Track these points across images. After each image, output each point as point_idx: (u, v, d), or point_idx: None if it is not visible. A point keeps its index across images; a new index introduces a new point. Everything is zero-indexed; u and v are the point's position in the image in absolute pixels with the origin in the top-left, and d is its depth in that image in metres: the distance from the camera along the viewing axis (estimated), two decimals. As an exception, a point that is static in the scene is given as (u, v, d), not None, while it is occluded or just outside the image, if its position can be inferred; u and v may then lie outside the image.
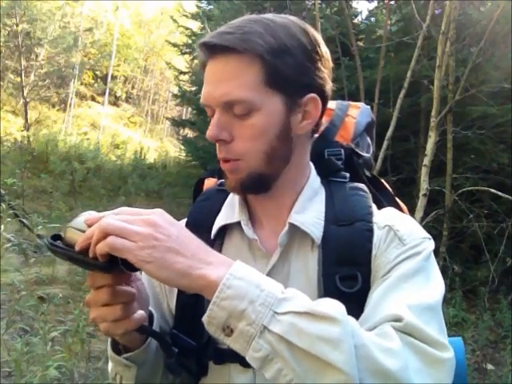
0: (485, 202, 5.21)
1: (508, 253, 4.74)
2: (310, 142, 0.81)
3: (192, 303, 0.78)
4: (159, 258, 0.58)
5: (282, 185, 0.78)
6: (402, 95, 4.89)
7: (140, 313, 0.69)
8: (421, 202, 4.27)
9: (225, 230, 0.82)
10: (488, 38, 4.53)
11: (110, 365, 0.80)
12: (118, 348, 0.75)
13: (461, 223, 5.06)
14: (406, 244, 0.73)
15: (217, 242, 0.81)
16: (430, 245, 0.76)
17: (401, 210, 0.92)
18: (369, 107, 0.99)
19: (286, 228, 0.76)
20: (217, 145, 0.75)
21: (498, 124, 5.17)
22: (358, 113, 0.95)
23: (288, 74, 0.73)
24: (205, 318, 0.59)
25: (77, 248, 0.62)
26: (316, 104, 0.77)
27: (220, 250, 0.80)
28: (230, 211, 0.82)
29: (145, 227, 0.60)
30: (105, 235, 0.59)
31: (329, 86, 0.79)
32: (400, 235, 0.74)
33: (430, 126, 4.51)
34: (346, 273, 0.73)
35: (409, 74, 4.85)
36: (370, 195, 0.82)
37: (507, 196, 4.31)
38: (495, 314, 4.40)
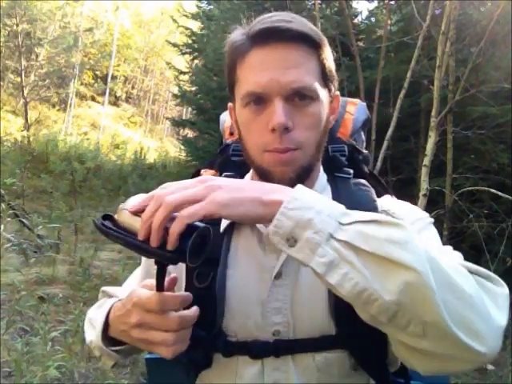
0: (485, 202, 5.20)
1: (508, 253, 4.73)
2: None
3: (203, 296, 0.78)
4: (231, 198, 0.59)
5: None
6: (402, 95, 4.89)
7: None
8: (421, 202, 4.27)
9: (234, 222, 0.82)
10: (488, 38, 4.52)
11: (92, 338, 0.80)
12: (106, 335, 0.77)
13: (461, 223, 5.06)
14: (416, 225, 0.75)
15: (226, 234, 0.82)
16: (430, 219, 0.79)
17: None
18: (364, 104, 1.01)
19: None
20: (273, 134, 0.72)
21: (498, 124, 5.16)
22: (355, 109, 0.97)
23: (331, 70, 0.77)
24: (270, 229, 0.59)
25: (140, 236, 0.59)
26: (338, 100, 0.82)
27: (229, 242, 0.81)
28: None
29: (201, 185, 0.60)
30: (170, 212, 0.57)
31: None
32: (396, 216, 0.75)
33: (430, 126, 4.50)
34: None
35: (409, 74, 4.84)
36: (373, 190, 0.84)
37: (507, 196, 4.31)
38: (495, 314, 4.39)
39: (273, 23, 0.72)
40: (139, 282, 0.85)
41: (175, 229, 0.57)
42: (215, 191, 0.59)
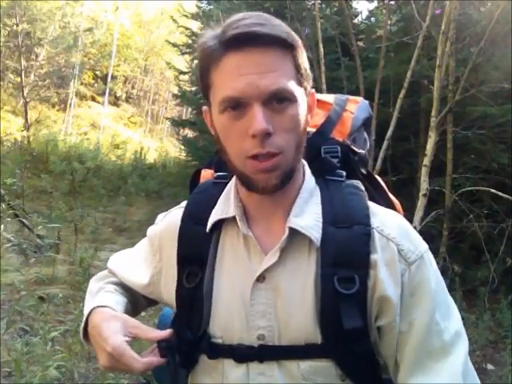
0: (485, 202, 5.20)
1: (508, 253, 4.73)
2: None
3: (190, 296, 0.80)
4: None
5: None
6: (401, 95, 4.89)
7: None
8: (421, 202, 4.26)
9: (221, 223, 0.82)
10: (488, 38, 4.52)
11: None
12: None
13: (461, 223, 5.05)
14: (410, 262, 0.75)
15: (214, 235, 0.82)
16: (431, 256, 0.79)
17: (394, 207, 0.94)
18: (367, 102, 1.00)
19: (287, 233, 0.75)
20: (254, 140, 0.70)
21: (498, 124, 5.16)
22: (356, 108, 0.95)
23: (306, 69, 0.76)
24: None
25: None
26: (314, 98, 0.80)
27: (217, 244, 0.81)
28: (226, 205, 0.82)
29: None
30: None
31: None
32: (404, 254, 0.76)
33: (430, 126, 4.50)
34: (344, 275, 0.73)
35: (409, 74, 4.84)
36: (366, 194, 0.82)
37: (507, 196, 4.31)
38: (495, 314, 4.39)
39: (247, 27, 0.71)
40: (144, 258, 0.93)
41: None
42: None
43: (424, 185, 4.31)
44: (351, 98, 0.98)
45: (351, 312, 0.72)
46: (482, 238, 4.64)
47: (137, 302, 0.95)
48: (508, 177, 5.21)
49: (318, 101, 0.96)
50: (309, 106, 0.79)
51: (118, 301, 0.89)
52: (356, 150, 0.90)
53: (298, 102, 0.73)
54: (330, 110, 0.93)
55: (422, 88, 5.87)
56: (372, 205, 0.81)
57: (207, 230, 0.81)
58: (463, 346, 0.74)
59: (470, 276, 5.07)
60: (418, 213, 4.20)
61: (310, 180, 0.82)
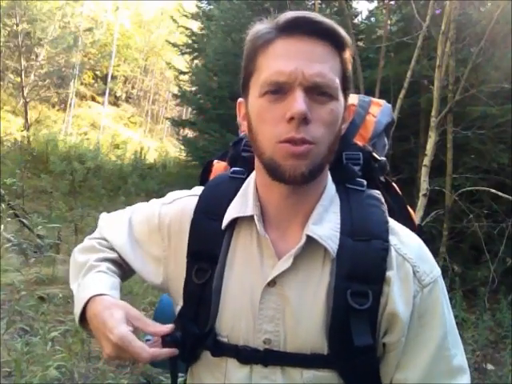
0: (485, 202, 5.20)
1: (508, 253, 4.74)
2: None
3: (199, 292, 0.79)
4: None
5: (312, 184, 0.75)
6: (401, 95, 4.89)
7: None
8: (421, 202, 4.27)
9: (236, 220, 0.80)
10: (488, 38, 4.53)
11: (73, 288, 0.87)
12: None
13: (461, 223, 5.06)
14: (424, 285, 0.75)
15: (227, 232, 0.80)
16: (443, 281, 0.78)
17: (410, 216, 0.93)
18: (390, 105, 0.97)
19: (304, 240, 0.74)
20: (290, 124, 0.68)
21: (498, 124, 5.16)
22: (379, 111, 0.93)
23: (350, 76, 0.75)
24: None
25: None
26: (350, 111, 0.80)
27: (229, 242, 0.80)
28: (243, 203, 0.80)
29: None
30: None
31: None
32: (419, 276, 0.75)
33: (430, 126, 4.51)
34: (358, 289, 0.72)
35: (409, 74, 4.84)
36: (385, 207, 0.79)
37: (507, 196, 4.31)
38: (495, 314, 4.39)
39: (304, 14, 0.71)
40: (148, 238, 0.88)
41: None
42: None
43: (424, 185, 4.31)
44: (375, 100, 0.96)
45: (362, 328, 0.71)
46: (482, 238, 4.64)
47: (126, 276, 0.92)
48: (508, 177, 5.22)
49: None
50: (344, 118, 0.77)
51: (113, 284, 0.84)
52: (377, 157, 0.88)
53: (338, 101, 0.72)
54: (354, 111, 0.91)
55: (422, 88, 5.88)
56: (391, 221, 0.79)
57: (222, 227, 0.79)
58: (467, 377, 0.75)
59: (470, 276, 5.07)
60: (418, 213, 4.21)
61: (330, 187, 0.80)
